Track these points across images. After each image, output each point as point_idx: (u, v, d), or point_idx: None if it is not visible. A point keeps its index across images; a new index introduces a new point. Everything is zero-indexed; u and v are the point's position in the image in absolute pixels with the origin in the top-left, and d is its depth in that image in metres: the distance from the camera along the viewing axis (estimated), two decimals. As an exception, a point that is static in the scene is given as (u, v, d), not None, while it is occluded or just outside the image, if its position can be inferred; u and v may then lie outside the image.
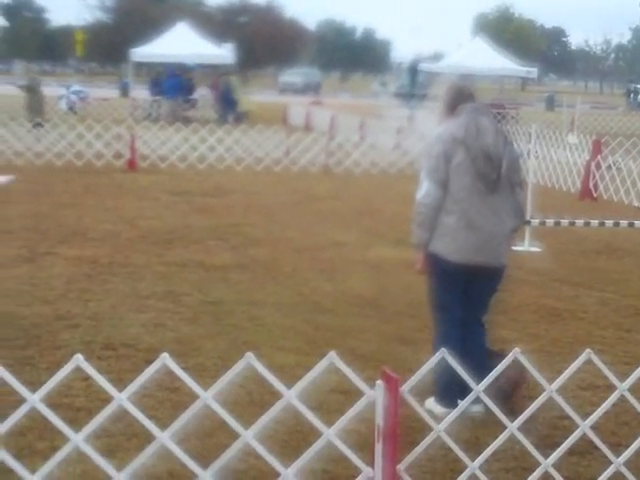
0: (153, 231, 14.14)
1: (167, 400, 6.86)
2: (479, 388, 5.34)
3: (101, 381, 4.83)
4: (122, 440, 6.12)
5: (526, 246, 13.72)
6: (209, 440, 6.13)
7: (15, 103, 34.92)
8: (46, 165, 21.97)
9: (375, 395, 5.06)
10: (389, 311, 9.87)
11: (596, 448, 5.73)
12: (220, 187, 19.85)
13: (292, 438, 6.26)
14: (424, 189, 6.71)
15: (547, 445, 5.98)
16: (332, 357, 5.04)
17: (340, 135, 27.12)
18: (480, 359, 6.74)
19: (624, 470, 5.54)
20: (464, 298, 6.88)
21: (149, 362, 4.96)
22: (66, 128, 24.06)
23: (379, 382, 5.05)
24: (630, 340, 9.28)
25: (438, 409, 6.79)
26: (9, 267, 11.25)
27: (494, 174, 6.72)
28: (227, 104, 38.93)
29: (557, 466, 5.52)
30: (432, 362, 5.41)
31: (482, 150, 6.70)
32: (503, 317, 9.23)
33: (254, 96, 47.15)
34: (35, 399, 4.74)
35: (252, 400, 6.89)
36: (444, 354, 5.32)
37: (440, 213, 6.70)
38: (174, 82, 40.44)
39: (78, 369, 4.78)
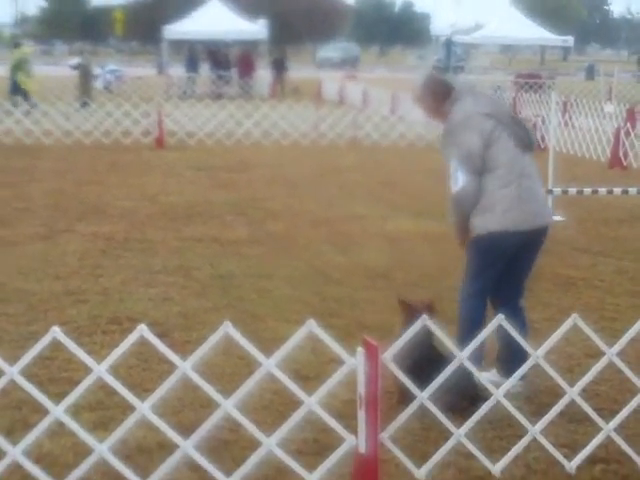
0: (173, 207, 14.16)
1: (154, 371, 6.87)
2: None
3: (78, 353, 4.87)
4: (116, 413, 6.11)
5: (548, 215, 13.57)
6: (202, 411, 6.12)
7: (59, 84, 34.59)
8: (74, 144, 21.96)
9: (356, 363, 5.04)
10: (401, 283, 9.77)
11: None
12: (245, 162, 19.82)
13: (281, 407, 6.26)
14: (461, 182, 6.44)
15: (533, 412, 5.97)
16: (311, 325, 5.02)
17: (371, 108, 26.99)
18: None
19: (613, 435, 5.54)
20: (505, 276, 6.72)
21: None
22: (96, 106, 24.11)
23: (359, 349, 5.03)
24: (643, 307, 9.17)
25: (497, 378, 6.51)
26: (25, 244, 11.30)
27: (525, 136, 6.64)
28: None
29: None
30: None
31: (509, 116, 6.67)
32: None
33: (294, 72, 46.66)
34: (13, 371, 4.77)
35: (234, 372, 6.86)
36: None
37: (494, 191, 6.47)
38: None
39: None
